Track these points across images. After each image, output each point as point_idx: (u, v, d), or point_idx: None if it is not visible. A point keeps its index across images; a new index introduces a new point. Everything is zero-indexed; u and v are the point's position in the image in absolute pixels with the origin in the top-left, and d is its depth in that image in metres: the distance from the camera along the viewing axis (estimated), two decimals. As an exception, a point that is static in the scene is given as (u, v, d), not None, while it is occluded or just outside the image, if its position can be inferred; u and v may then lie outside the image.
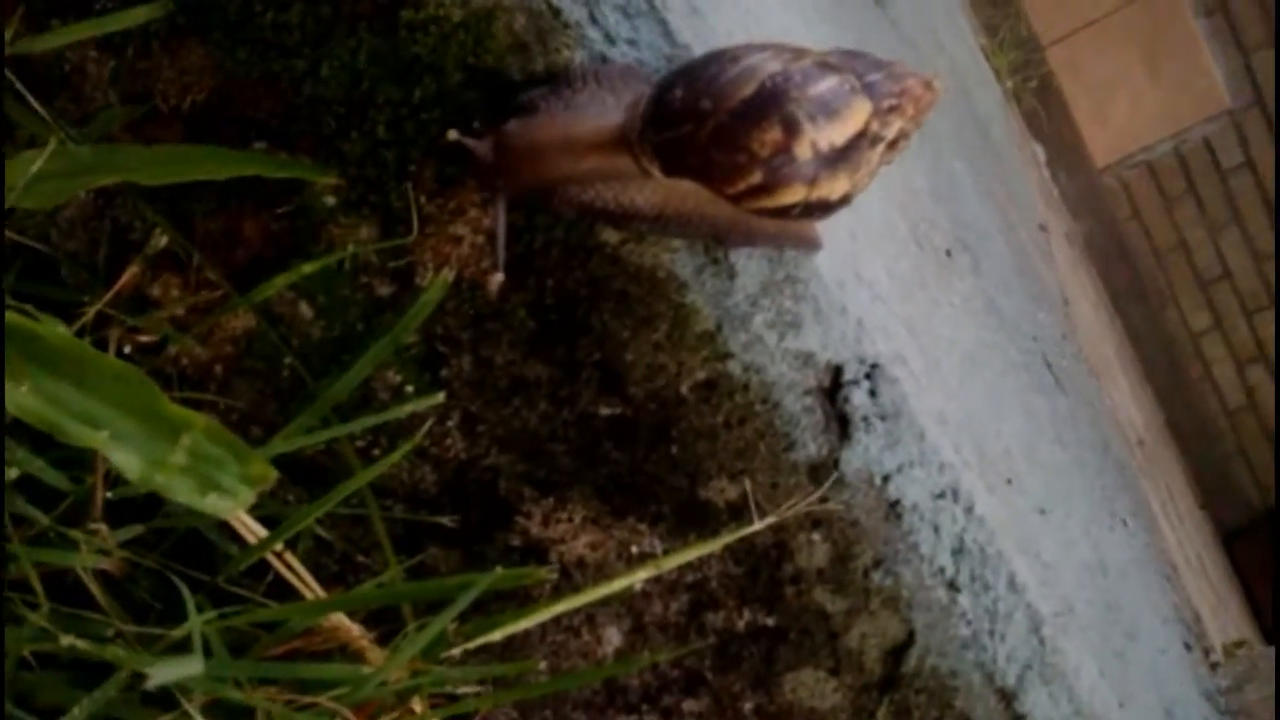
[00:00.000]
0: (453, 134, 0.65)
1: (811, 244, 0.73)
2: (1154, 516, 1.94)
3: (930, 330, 0.91)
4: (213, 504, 0.58)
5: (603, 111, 0.63)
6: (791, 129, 0.59)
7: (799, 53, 0.62)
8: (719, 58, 0.61)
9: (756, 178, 0.60)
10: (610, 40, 0.67)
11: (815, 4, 1.15)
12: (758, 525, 0.73)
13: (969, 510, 0.78)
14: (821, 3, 1.17)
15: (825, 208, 0.63)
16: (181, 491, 0.58)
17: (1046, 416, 1.25)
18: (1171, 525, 2.56)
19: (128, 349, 0.78)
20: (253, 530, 0.74)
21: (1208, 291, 4.23)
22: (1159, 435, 3.73)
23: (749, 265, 0.71)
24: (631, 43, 0.67)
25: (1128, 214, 4.17)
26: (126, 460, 0.57)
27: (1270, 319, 4.13)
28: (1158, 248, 4.22)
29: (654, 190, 0.65)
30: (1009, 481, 0.91)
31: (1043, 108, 3.94)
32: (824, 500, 0.74)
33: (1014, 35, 3.75)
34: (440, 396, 0.72)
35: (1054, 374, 1.47)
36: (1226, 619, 2.92)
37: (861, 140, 0.62)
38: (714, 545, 0.74)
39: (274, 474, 0.60)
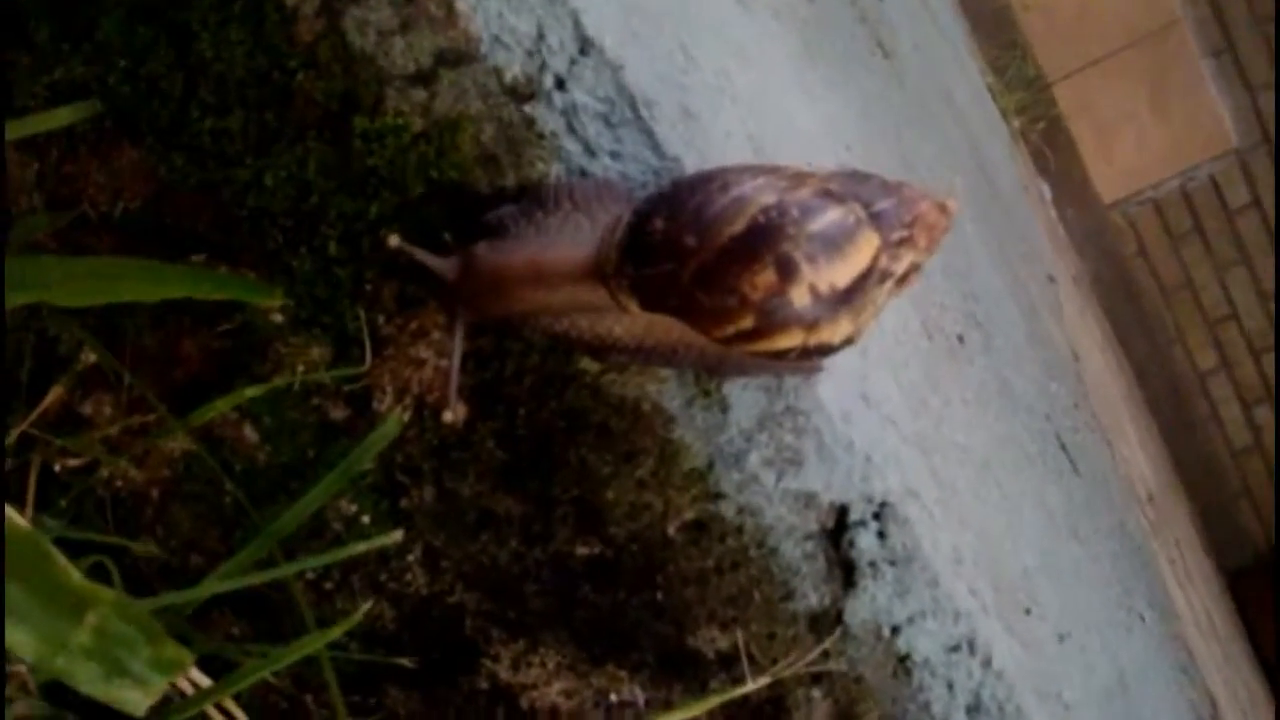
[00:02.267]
0: (394, 240, 0.57)
1: (813, 368, 0.66)
2: (1167, 590, 1.87)
3: (943, 443, 0.84)
4: (120, 693, 0.50)
5: (577, 238, 0.56)
6: (787, 271, 0.52)
7: (798, 179, 0.54)
8: (707, 184, 0.54)
9: (747, 322, 0.52)
10: (590, 152, 0.59)
11: (820, 73, 1.08)
12: (751, 686, 0.65)
13: (986, 663, 0.70)
14: (826, 71, 1.10)
15: (825, 351, 0.55)
16: (84, 678, 0.50)
17: (1062, 512, 1.18)
18: (1181, 584, 2.49)
19: (58, 469, 0.71)
20: (191, 679, 0.66)
21: (1214, 330, 4.17)
22: (1166, 481, 3.65)
23: (744, 397, 0.64)
24: (615, 155, 0.60)
25: (1134, 251, 4.11)
26: (22, 640, 0.50)
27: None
28: (1164, 286, 4.16)
29: (634, 321, 0.58)
30: (1028, 611, 0.84)
31: (1049, 146, 3.89)
32: (825, 655, 0.66)
33: (1020, 75, 3.70)
34: (398, 535, 0.64)
35: (1069, 455, 1.39)
36: (1239, 684, 2.84)
37: (868, 278, 0.54)
38: (704, 706, 0.66)
39: (190, 659, 0.52)
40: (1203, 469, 4.19)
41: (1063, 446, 1.38)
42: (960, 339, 1.10)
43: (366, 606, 0.62)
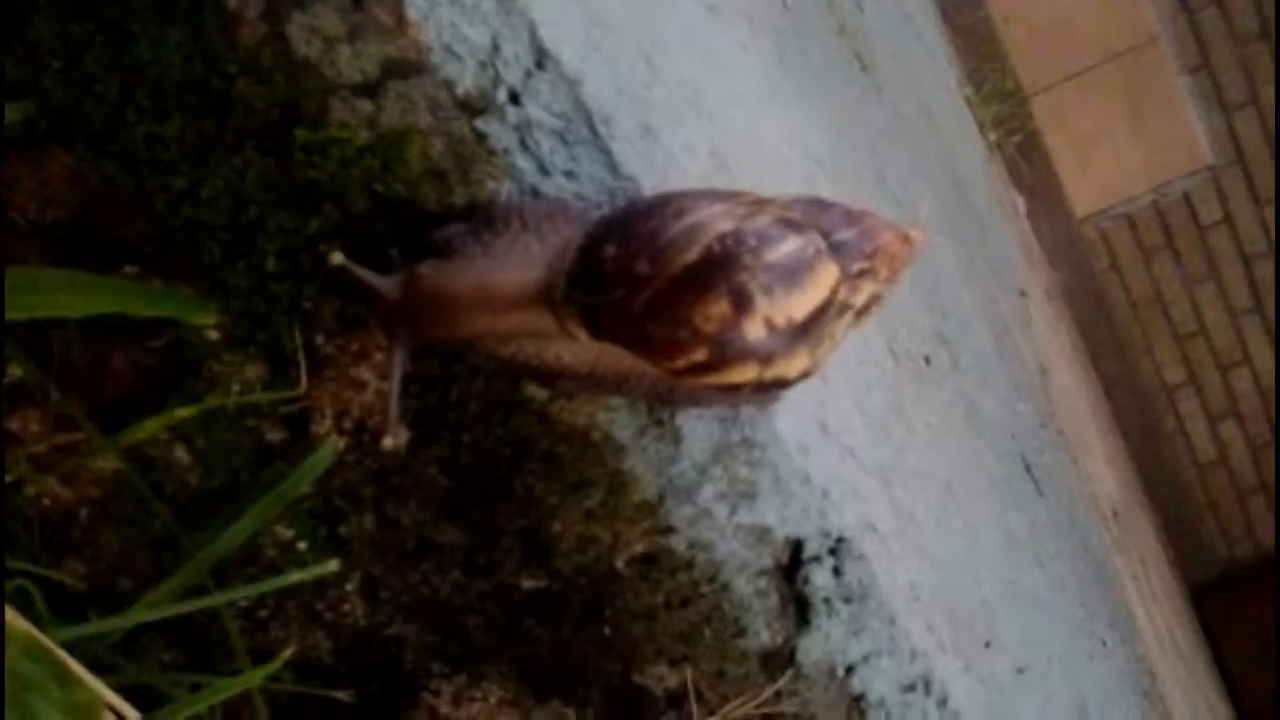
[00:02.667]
0: (337, 257, 0.54)
1: (769, 401, 0.63)
2: (1130, 611, 1.86)
3: (904, 471, 0.82)
4: (26, 739, 0.47)
5: (525, 260, 0.53)
6: (742, 302, 0.49)
7: (757, 205, 0.52)
8: (661, 209, 0.51)
9: (700, 355, 0.50)
10: (544, 171, 0.57)
11: (795, 84, 1.06)
12: (699, 727, 0.63)
13: (942, 703, 0.68)
14: (801, 81, 1.08)
15: (781, 385, 0.53)
16: (-11, 722, 0.47)
17: (1025, 536, 1.16)
18: (1144, 602, 2.49)
19: (-20, 485, 0.67)
20: (118, 710, 0.63)
21: (1183, 346, 4.21)
22: (1132, 496, 3.67)
23: (697, 428, 0.62)
24: (569, 175, 0.58)
25: (1106, 265, 4.14)
26: (-79, 681, 0.47)
27: (1243, 375, 4.12)
28: (1135, 300, 4.19)
29: (584, 348, 0.56)
30: (987, 644, 0.82)
31: (1024, 158, 3.90)
32: (778, 695, 0.64)
33: (998, 87, 3.70)
34: (334, 565, 0.61)
35: (1033, 476, 1.38)
36: (1197, 696, 2.85)
37: (826, 311, 0.52)
38: (648, 746, 0.64)
39: (103, 702, 0.49)
40: (1167, 483, 4.23)
41: (1028, 468, 1.36)
42: (927, 360, 1.08)
43: (290, 650, 0.59)
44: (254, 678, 0.57)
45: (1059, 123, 3.96)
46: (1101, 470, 2.92)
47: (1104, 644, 1.33)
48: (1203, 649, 3.84)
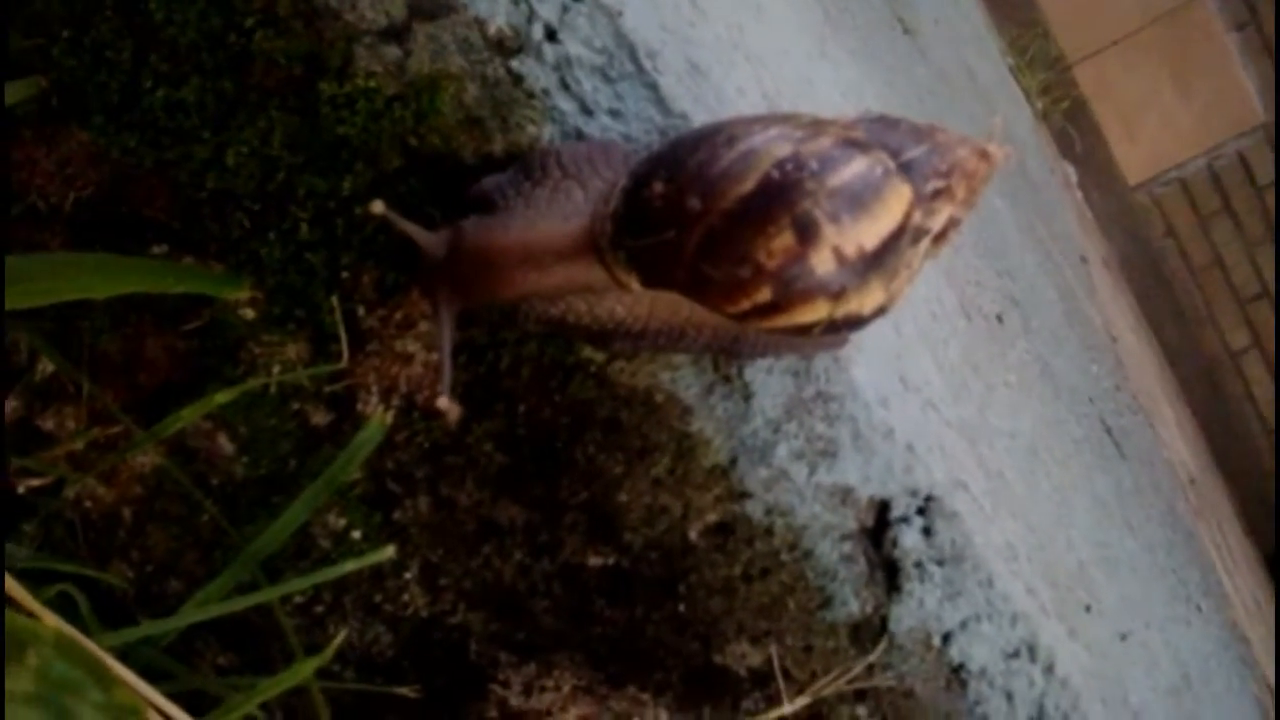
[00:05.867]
0: (378, 206, 0.50)
1: (841, 343, 0.59)
2: (1219, 578, 1.78)
3: (989, 430, 0.77)
4: (67, 745, 0.44)
5: (569, 209, 0.49)
6: (807, 232, 0.45)
7: (816, 127, 0.47)
8: (711, 138, 0.47)
9: (764, 295, 0.45)
10: (587, 112, 0.53)
11: (842, 42, 1.01)
12: (788, 707, 0.58)
13: (1049, 670, 0.63)
14: (849, 40, 1.03)
15: (855, 323, 0.48)
16: (26, 727, 0.44)
17: (1114, 498, 1.10)
18: (1228, 572, 2.40)
19: (21, 490, 0.64)
20: (171, 717, 0.60)
21: (1245, 310, 4.09)
22: (1205, 464, 3.56)
23: (769, 382, 0.57)
24: (615, 114, 0.53)
25: (1162, 233, 4.03)
26: (-45, 687, 0.43)
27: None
28: (1193, 266, 4.08)
29: (638, 300, 0.51)
30: (1088, 609, 0.76)
31: (1073, 128, 3.81)
32: (870, 669, 0.59)
33: (1042, 55, 3.61)
34: (390, 551, 0.58)
35: (1114, 439, 1.31)
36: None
37: (900, 237, 0.47)
38: (735, 730, 0.60)
39: (145, 706, 0.46)
40: (1237, 449, 4.11)
41: (1108, 430, 1.30)
42: (999, 319, 1.02)
43: (343, 634, 0.55)
44: (303, 670, 0.53)
45: (1105, 90, 3.87)
46: (1175, 439, 2.83)
47: (1199, 609, 1.26)
48: (1284, 616, 3.72)
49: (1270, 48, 3.72)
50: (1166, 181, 3.95)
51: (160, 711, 0.59)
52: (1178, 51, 3.76)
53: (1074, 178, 3.88)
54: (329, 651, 0.51)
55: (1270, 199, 3.85)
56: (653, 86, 0.54)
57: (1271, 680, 1.66)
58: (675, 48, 0.57)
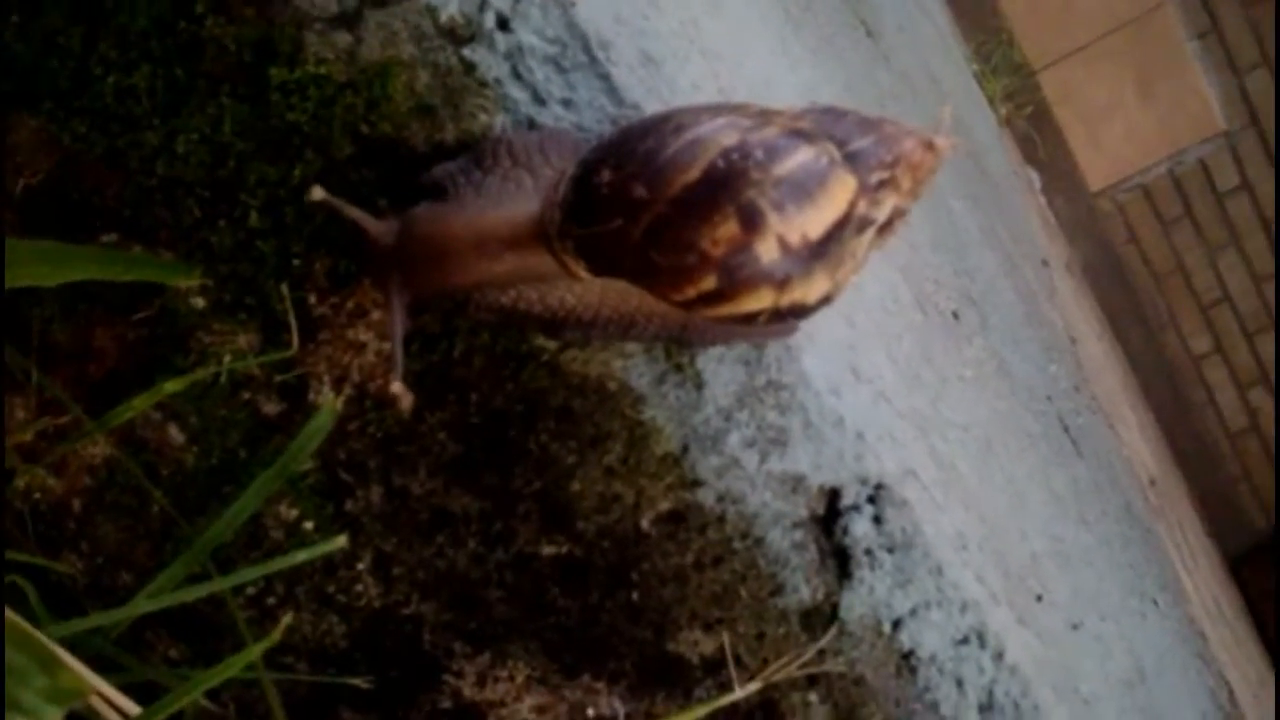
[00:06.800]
0: (318, 192, 0.50)
1: (788, 331, 0.59)
2: (1176, 574, 1.80)
3: (942, 421, 0.77)
4: (11, 729, 0.44)
5: (518, 197, 0.49)
6: (752, 221, 0.45)
7: (763, 117, 0.48)
8: (658, 127, 0.47)
9: (709, 283, 0.46)
10: (539, 101, 0.53)
11: (804, 42, 1.02)
12: (740, 692, 0.59)
13: (998, 657, 0.64)
14: (809, 40, 1.04)
15: (801, 312, 0.49)
16: (-30, 712, 0.43)
17: (1069, 494, 1.11)
18: (1188, 570, 2.43)
19: (-32, 481, 0.64)
20: (119, 707, 0.60)
21: (1207, 314, 4.14)
22: (1167, 467, 3.61)
23: (720, 371, 0.57)
24: (567, 104, 0.54)
25: (1124, 238, 4.08)
26: (-103, 672, 0.43)
27: (1271, 340, 4.05)
28: (1156, 271, 4.13)
29: (588, 288, 0.52)
30: (1039, 598, 0.77)
31: (1037, 133, 3.85)
32: (821, 655, 0.60)
33: (1006, 61, 3.65)
34: (342, 541, 0.58)
35: (1071, 437, 1.33)
36: (1247, 665, 2.78)
37: (844, 227, 0.48)
38: (690, 716, 0.60)
39: (89, 688, 0.46)
40: (1200, 454, 4.16)
41: (1065, 428, 1.31)
42: (955, 315, 1.03)
43: (290, 616, 0.55)
44: (250, 654, 0.53)
45: (1068, 96, 3.91)
46: (1136, 440, 2.87)
47: (1156, 604, 1.28)
48: (1244, 616, 3.77)
49: (1230, 57, 3.77)
50: (1129, 187, 4.00)
51: (107, 701, 0.58)
52: (1140, 59, 3.81)
53: (1037, 183, 3.92)
54: (276, 634, 0.50)
55: (1233, 205, 3.91)
56: (605, 77, 0.54)
57: (1226, 675, 1.68)
58: (629, 39, 0.58)
